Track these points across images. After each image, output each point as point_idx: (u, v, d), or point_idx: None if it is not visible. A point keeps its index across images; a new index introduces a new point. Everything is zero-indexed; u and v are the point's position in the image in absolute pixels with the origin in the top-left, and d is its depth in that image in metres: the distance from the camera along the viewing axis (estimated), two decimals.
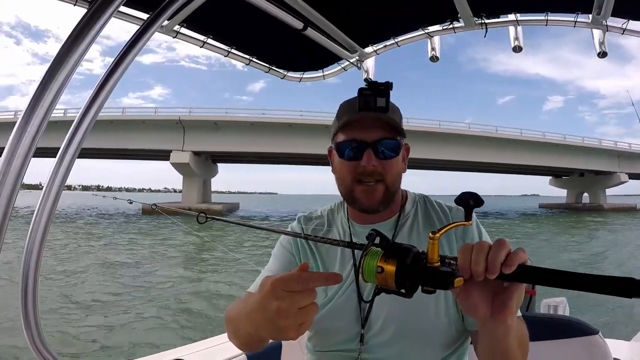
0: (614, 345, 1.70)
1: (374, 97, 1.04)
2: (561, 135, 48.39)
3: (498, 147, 44.10)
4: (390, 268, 0.70)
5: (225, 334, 1.96)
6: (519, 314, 1.03)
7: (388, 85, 1.05)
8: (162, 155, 40.99)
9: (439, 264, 0.70)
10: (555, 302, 2.26)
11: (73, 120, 0.99)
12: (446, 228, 0.73)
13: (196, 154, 39.67)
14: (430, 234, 0.70)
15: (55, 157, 0.99)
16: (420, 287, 0.70)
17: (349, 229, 1.20)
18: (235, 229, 19.71)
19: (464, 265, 0.70)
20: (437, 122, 42.60)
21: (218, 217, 1.21)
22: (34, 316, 1.02)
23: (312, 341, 1.17)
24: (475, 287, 0.74)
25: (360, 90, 1.05)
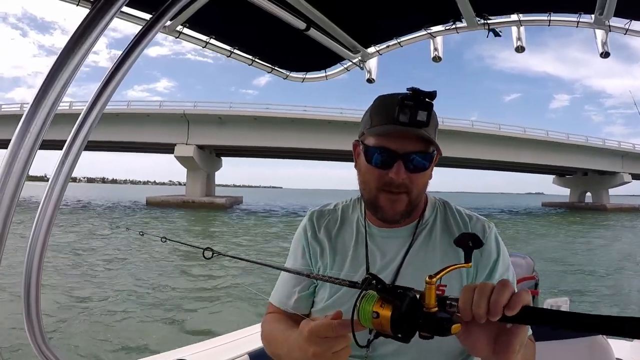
0: (617, 346, 1.71)
1: (416, 110, 0.95)
2: (564, 134, 48.11)
3: (501, 145, 43.88)
4: (386, 313, 0.68)
5: (228, 334, 2.01)
6: (529, 332, 0.99)
7: (432, 97, 0.95)
8: (166, 148, 41.03)
9: (437, 308, 0.67)
10: (559, 302, 2.26)
11: (78, 113, 0.99)
12: (445, 271, 0.70)
13: (200, 147, 39.70)
14: (427, 279, 0.68)
15: (60, 149, 0.99)
16: (417, 332, 0.69)
17: (365, 230, 1.17)
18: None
19: (465, 307, 0.68)
20: (440, 119, 42.23)
21: (224, 254, 1.16)
22: (37, 315, 1.02)
23: None
24: (477, 328, 0.72)
25: (402, 99, 0.96)
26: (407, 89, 0.96)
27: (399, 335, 0.69)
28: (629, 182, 52.10)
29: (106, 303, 7.53)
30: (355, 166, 1.13)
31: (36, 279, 1.00)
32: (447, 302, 0.69)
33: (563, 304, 2.32)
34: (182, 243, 1.40)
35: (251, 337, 1.89)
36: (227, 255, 1.18)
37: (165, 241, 1.35)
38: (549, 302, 2.39)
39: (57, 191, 0.98)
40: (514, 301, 0.66)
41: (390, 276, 1.08)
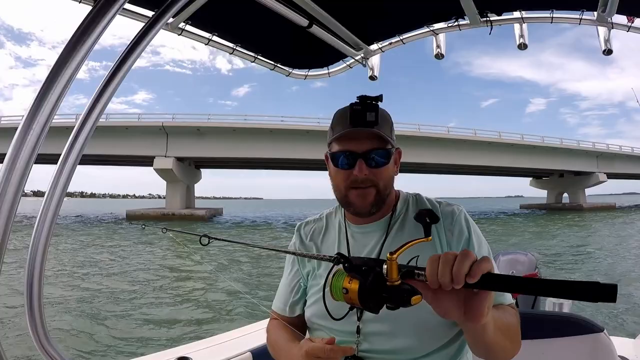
0: (619, 343, 1.73)
1: (364, 112, 1.11)
2: (539, 137, 49.07)
3: (477, 150, 44.70)
4: (354, 287, 0.79)
5: (231, 332, 2.03)
6: (512, 301, 1.15)
7: (377, 99, 1.12)
8: (145, 161, 40.58)
9: (399, 282, 0.76)
10: (560, 299, 2.26)
11: (70, 127, 1.00)
12: (404, 247, 0.79)
13: (179, 159, 39.42)
14: (388, 255, 0.77)
15: (55, 163, 0.98)
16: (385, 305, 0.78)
17: (345, 229, 1.29)
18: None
19: (431, 277, 0.76)
20: (416, 126, 42.87)
21: (221, 238, 1.36)
22: (40, 315, 1.03)
23: (313, 336, 1.26)
24: (446, 295, 0.79)
25: (351, 105, 1.12)
26: (357, 97, 1.13)
27: (370, 306, 0.78)
28: (604, 182, 53.42)
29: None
30: (329, 174, 1.27)
31: (38, 280, 1.00)
32: (416, 271, 0.78)
33: (566, 301, 2.32)
34: (180, 232, 1.57)
35: (254, 335, 1.94)
36: (223, 240, 1.38)
37: (166, 232, 1.62)
38: (551, 300, 2.38)
39: (55, 200, 0.98)
40: (474, 270, 0.74)
41: None
